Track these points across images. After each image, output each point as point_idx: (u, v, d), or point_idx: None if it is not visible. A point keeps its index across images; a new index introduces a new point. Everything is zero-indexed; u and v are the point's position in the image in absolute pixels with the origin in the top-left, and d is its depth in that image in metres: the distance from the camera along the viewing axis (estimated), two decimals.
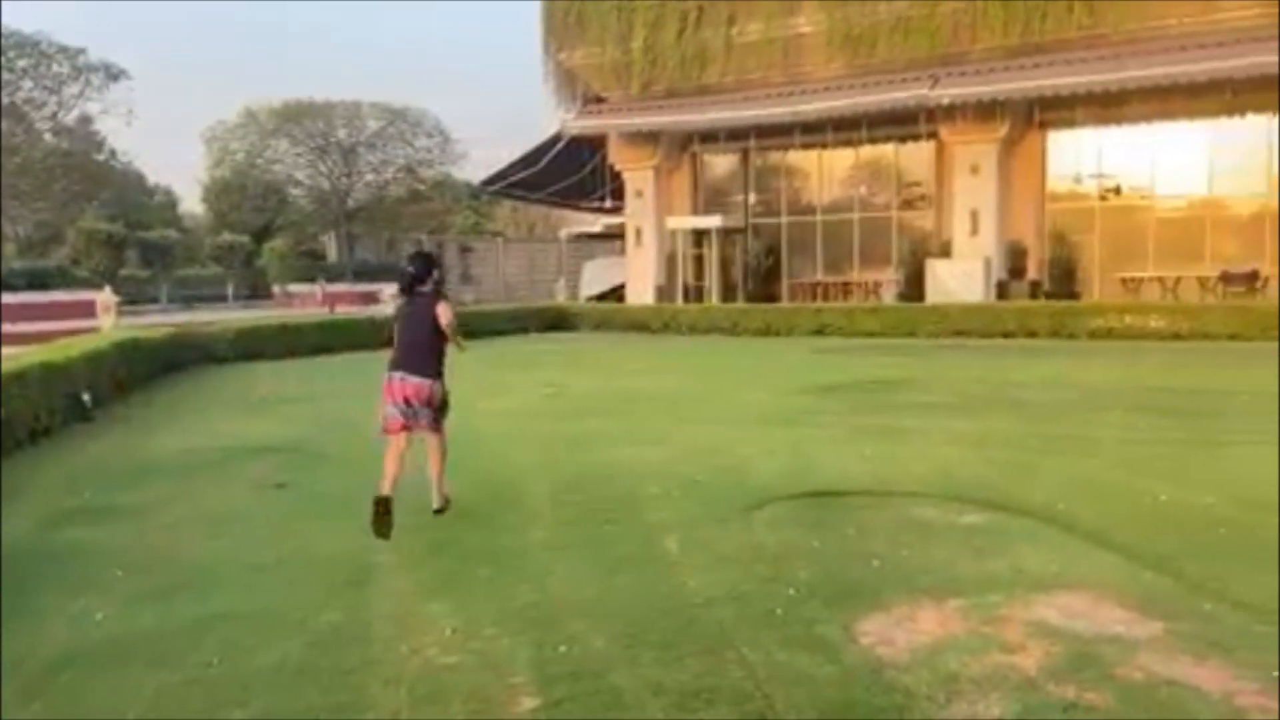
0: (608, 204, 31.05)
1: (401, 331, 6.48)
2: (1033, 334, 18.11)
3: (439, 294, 6.68)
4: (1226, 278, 19.56)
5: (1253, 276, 19.39)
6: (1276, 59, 17.38)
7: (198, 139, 53.33)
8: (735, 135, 24.62)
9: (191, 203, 59.56)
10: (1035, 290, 21.06)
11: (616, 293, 27.18)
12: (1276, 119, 19.47)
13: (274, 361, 17.10)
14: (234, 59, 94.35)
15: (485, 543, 5.88)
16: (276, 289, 39.54)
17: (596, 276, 29.53)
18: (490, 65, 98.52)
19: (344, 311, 26.51)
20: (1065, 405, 10.65)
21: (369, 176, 52.64)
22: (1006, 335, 18.26)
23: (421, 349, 6.43)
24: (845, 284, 24.24)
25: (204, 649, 4.29)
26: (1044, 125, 21.65)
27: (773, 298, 24.39)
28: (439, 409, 6.47)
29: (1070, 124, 21.39)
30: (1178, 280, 20.21)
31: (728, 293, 24.88)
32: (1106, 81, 19.01)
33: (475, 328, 21.53)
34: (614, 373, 14.70)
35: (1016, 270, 21.49)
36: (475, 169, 54.67)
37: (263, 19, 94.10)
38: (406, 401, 6.33)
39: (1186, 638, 4.14)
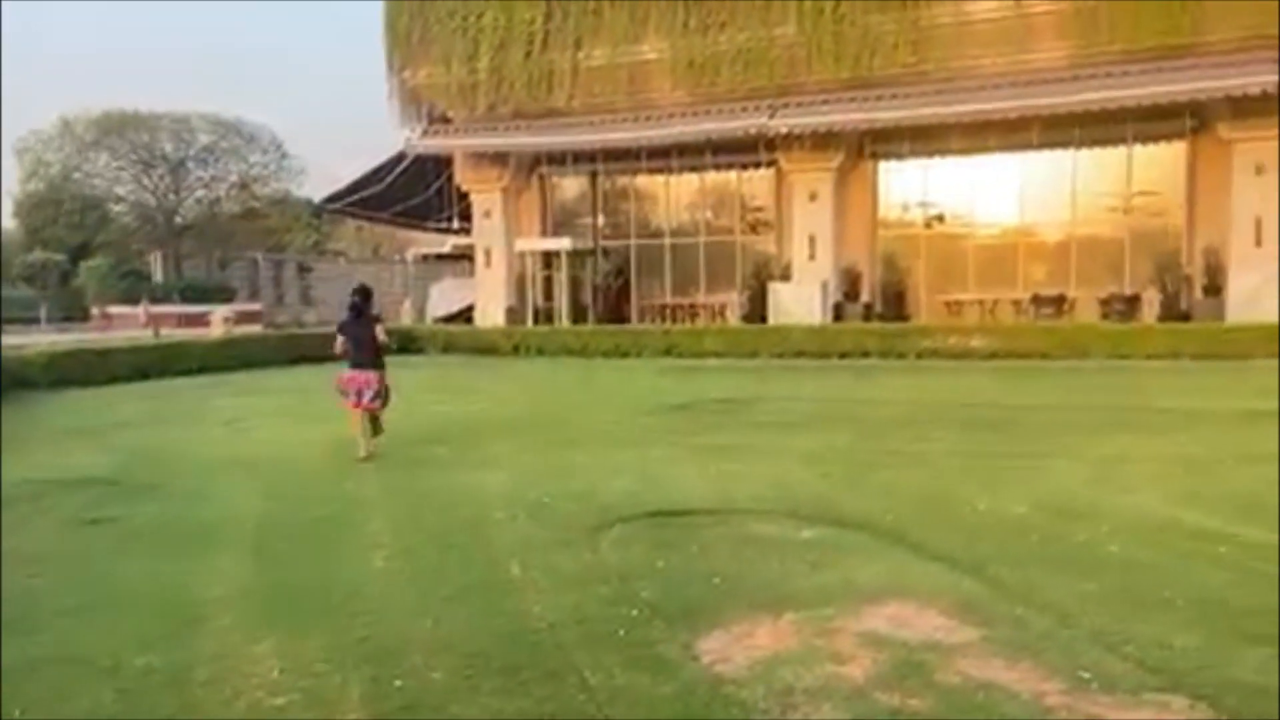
0: (455, 224, 30.68)
1: (354, 342, 9.41)
2: (866, 354, 18.97)
3: (377, 317, 9.78)
4: (1037, 300, 21.08)
5: (1060, 300, 20.95)
6: (1076, 98, 18.91)
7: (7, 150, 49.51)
8: (583, 158, 24.82)
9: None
10: (869, 312, 22.08)
11: (465, 314, 26.84)
12: (1075, 153, 21.16)
13: (94, 388, 16.03)
14: (54, 63, 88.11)
15: (320, 574, 5.68)
16: (95, 310, 37.07)
17: (444, 298, 29.09)
18: (332, 80, 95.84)
19: (170, 334, 25.09)
20: (895, 421, 11.20)
21: (199, 192, 50.13)
22: (843, 355, 19.07)
23: (369, 353, 9.38)
24: (693, 305, 24.76)
25: (9, 699, 3.96)
26: (875, 156, 22.80)
27: (623, 319, 24.64)
28: (381, 393, 9.42)
29: (899, 155, 22.61)
30: (995, 303, 21.63)
31: (578, 314, 24.97)
32: (929, 116, 20.21)
33: (312, 351, 20.88)
34: (461, 396, 14.51)
35: (851, 293, 22.48)
36: (316, 186, 52.95)
37: (84, 19, 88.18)
38: (360, 390, 9.25)
39: (1000, 642, 4.41)
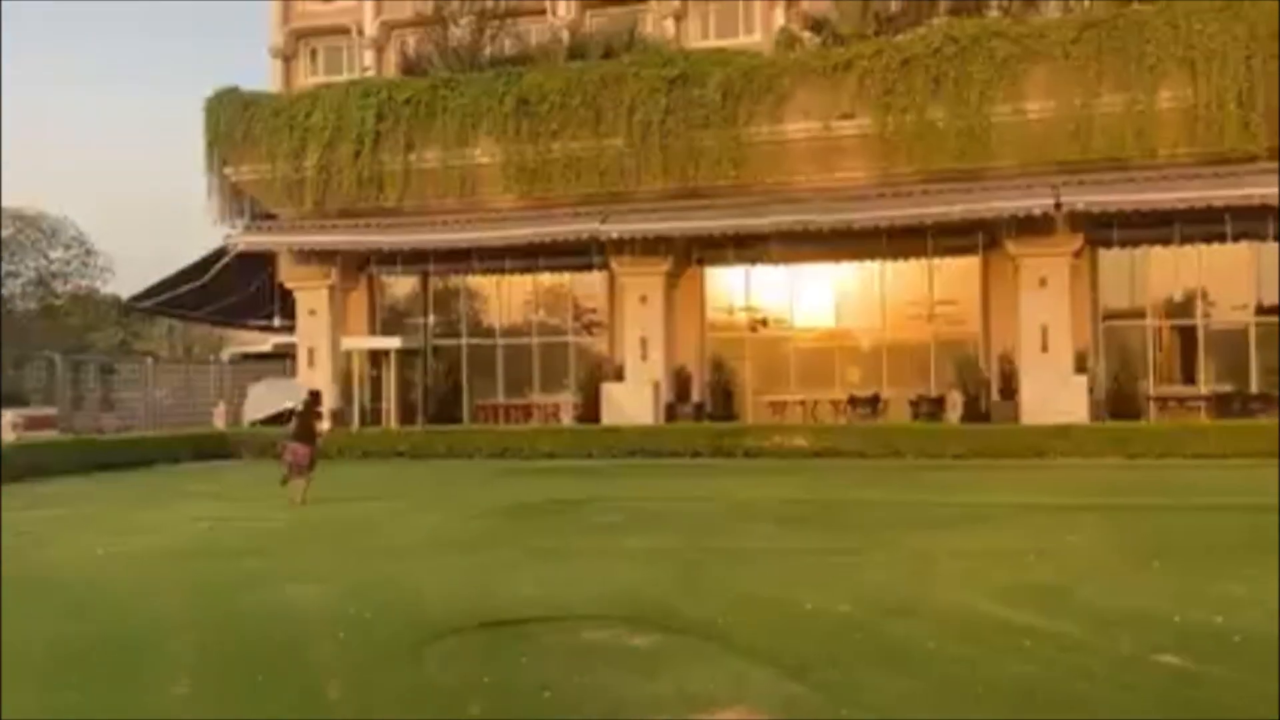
0: (277, 322, 29.57)
1: (298, 423, 13.44)
2: (697, 453, 19.35)
3: (319, 412, 14.54)
4: (854, 401, 22.19)
5: (875, 400, 22.14)
6: (880, 214, 20.38)
7: None
8: (414, 258, 24.60)
9: None
10: (699, 412, 22.62)
11: (286, 417, 25.68)
12: (883, 264, 22.70)
13: None
14: None
15: (114, 706, 5.16)
16: None
17: (263, 399, 27.73)
18: (148, 174, 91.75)
19: None
20: (725, 520, 11.40)
21: None
22: (675, 454, 19.36)
23: (309, 434, 13.36)
24: (526, 406, 24.65)
25: None
26: (702, 262, 23.71)
27: (455, 420, 24.22)
28: (313, 460, 13.34)
29: (725, 261, 23.60)
30: (816, 403, 22.61)
31: (408, 415, 24.37)
32: (750, 226, 21.29)
33: (113, 459, 19.46)
34: (278, 503, 13.75)
35: (682, 394, 23.00)
36: (127, 283, 50.03)
37: None
38: (299, 457, 13.15)
39: None
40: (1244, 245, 20.34)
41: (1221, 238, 20.13)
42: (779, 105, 21.50)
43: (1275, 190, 18.23)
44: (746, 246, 22.61)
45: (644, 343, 22.90)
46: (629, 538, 10.19)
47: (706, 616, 6.77)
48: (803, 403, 22.72)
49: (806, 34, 24.08)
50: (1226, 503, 11.92)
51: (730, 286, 24.21)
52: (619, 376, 23.07)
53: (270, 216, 25.28)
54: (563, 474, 17.17)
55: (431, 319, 25.83)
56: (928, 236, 21.67)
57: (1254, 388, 20.40)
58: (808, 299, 23.92)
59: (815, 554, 9.13)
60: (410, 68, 25.87)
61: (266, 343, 33.14)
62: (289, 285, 25.61)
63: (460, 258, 24.18)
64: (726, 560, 8.87)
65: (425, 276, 25.56)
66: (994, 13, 22.59)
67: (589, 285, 24.81)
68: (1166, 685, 5.29)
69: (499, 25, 25.26)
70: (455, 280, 25.83)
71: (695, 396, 23.05)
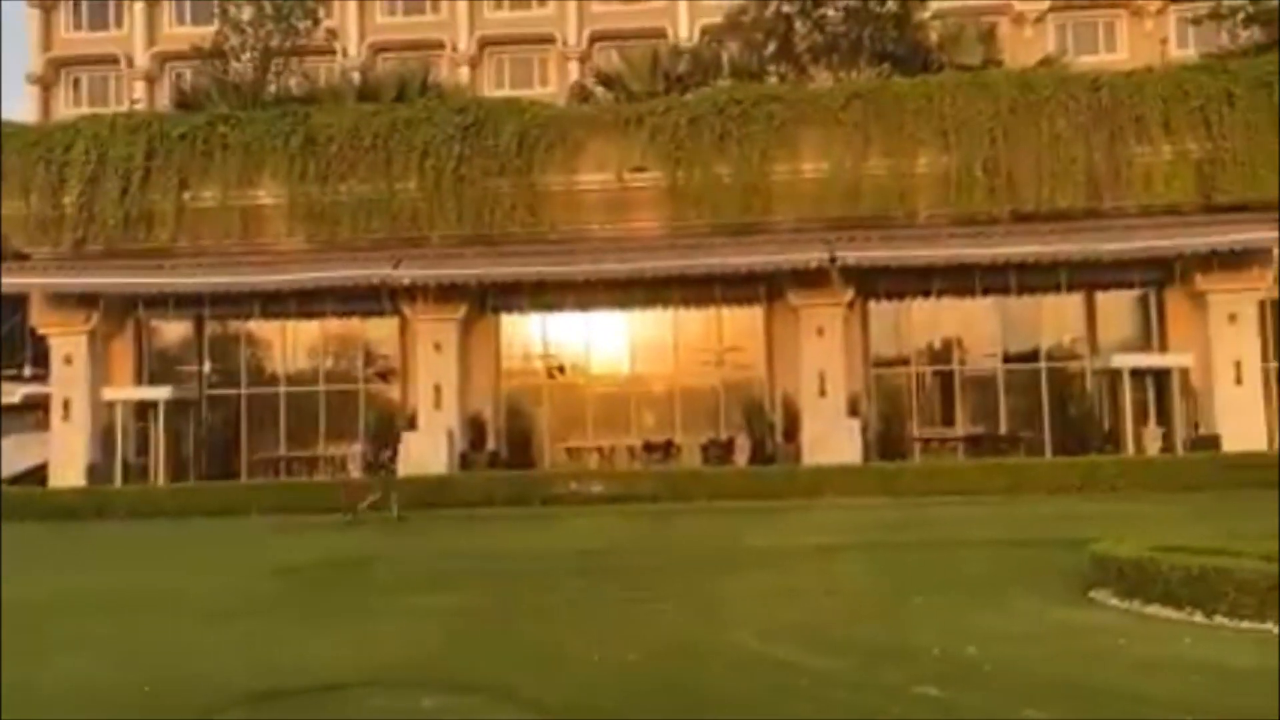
0: (28, 372, 26.92)
1: None
2: (492, 502, 19.09)
3: None
4: (648, 447, 22.63)
5: (668, 446, 22.67)
6: (671, 264, 21.05)
7: None
8: (188, 301, 23.09)
9: None
10: (495, 460, 22.36)
11: (37, 474, 23.33)
12: (675, 312, 23.41)
13: None
14: None
15: None
16: None
17: (10, 456, 25.10)
18: None
19: None
20: (518, 574, 11.28)
21: None
22: (469, 505, 19.00)
23: None
24: (311, 459, 23.52)
25: None
26: (497, 309, 23.59)
27: (231, 475, 22.77)
28: None
29: (520, 309, 23.58)
30: (612, 449, 22.88)
31: (179, 471, 22.68)
32: (545, 274, 21.44)
33: None
34: (25, 573, 12.41)
35: (478, 441, 22.67)
36: None
37: None
38: None
39: None
40: (991, 299, 22.43)
41: (973, 292, 22.13)
42: (574, 156, 21.88)
43: (1016, 250, 20.26)
44: (542, 294, 22.72)
45: (438, 390, 22.45)
46: (422, 596, 9.89)
47: (498, 674, 6.67)
48: (599, 449, 22.93)
49: (599, 89, 24.75)
50: (981, 537, 12.96)
51: (526, 333, 24.21)
52: (412, 425, 22.49)
53: (23, 256, 23.08)
54: (351, 529, 16.48)
55: (207, 367, 24.28)
56: (716, 286, 22.56)
57: (1003, 429, 22.40)
58: (603, 346, 24.26)
59: (608, 604, 9.20)
60: (186, 102, 24.52)
61: (16, 394, 30.04)
62: (41, 330, 23.41)
63: (240, 301, 22.93)
64: (520, 614, 8.79)
65: (200, 321, 24.03)
66: (772, 78, 24.11)
67: (381, 330, 24.12)
68: (927, 715, 5.66)
69: (284, 62, 24.43)
70: (234, 325, 24.43)
71: (490, 444, 22.79)
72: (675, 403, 23.60)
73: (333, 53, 27.15)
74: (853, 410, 21.68)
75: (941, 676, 6.30)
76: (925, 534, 13.48)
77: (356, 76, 25.35)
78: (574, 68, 34.88)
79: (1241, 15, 23.61)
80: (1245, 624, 7.35)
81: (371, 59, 30.53)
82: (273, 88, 24.04)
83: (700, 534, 14.51)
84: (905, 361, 23.29)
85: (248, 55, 24.05)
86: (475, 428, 22.71)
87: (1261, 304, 21.18)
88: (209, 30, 26.92)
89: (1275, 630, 7.20)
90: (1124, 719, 5.56)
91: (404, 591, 10.23)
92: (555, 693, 6.19)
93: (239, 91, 23.80)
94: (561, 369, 24.12)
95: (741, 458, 21.78)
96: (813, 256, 20.57)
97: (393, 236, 22.18)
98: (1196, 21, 26.00)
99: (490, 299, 23.22)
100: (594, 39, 35.74)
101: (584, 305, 23.16)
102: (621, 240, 21.95)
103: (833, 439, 20.90)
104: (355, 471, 22.48)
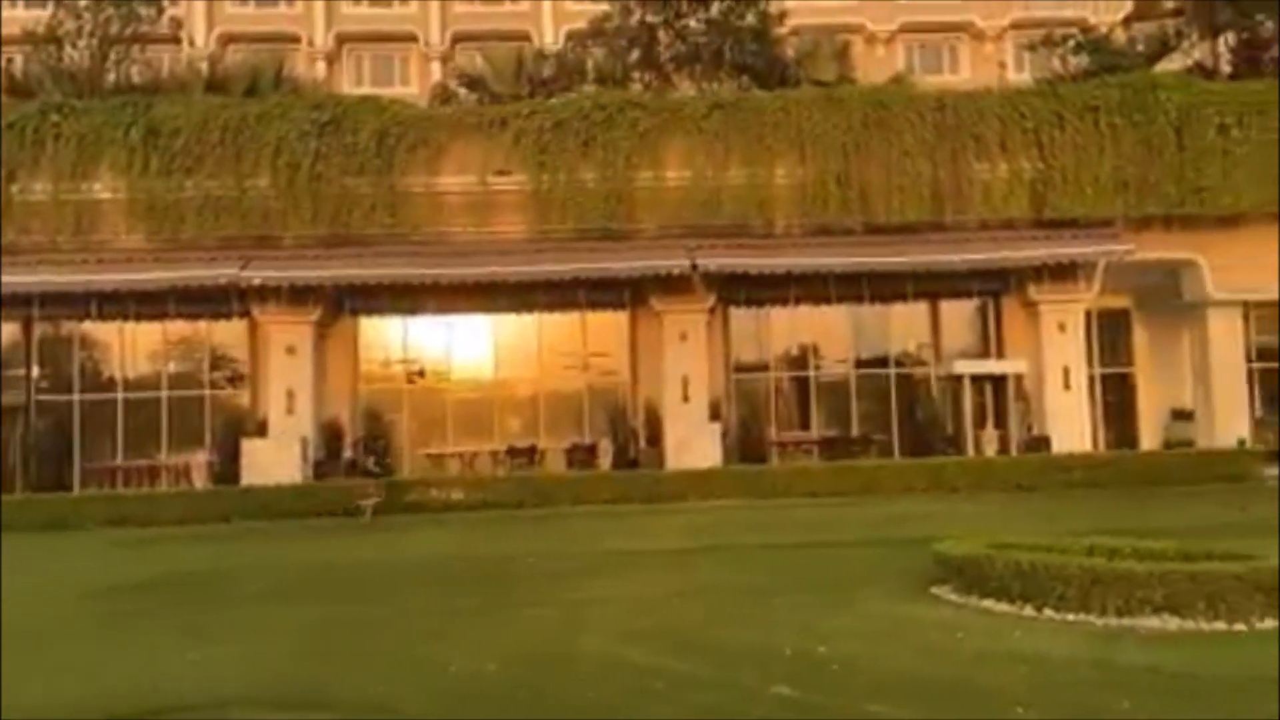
0: None
1: None
2: (350, 512, 18.50)
3: None
4: (512, 452, 22.45)
5: (532, 451, 22.56)
6: (535, 268, 20.95)
7: None
8: (14, 301, 21.49)
9: None
10: (352, 469, 21.73)
11: None
12: (540, 316, 23.34)
13: None
14: None
15: None
16: None
17: None
18: None
19: None
20: (377, 584, 11.00)
21: None
22: (325, 514, 18.40)
23: None
24: (152, 468, 22.28)
25: None
26: (355, 312, 22.94)
27: (63, 486, 21.33)
28: None
29: (379, 312, 23.01)
30: (474, 455, 22.60)
31: (5, 482, 21.09)
32: (405, 276, 20.97)
33: None
34: None
35: (334, 449, 21.98)
36: None
37: None
38: None
39: None
40: (845, 307, 23.28)
41: (828, 300, 22.93)
42: (436, 157, 21.53)
43: (868, 260, 21.09)
44: (403, 297, 22.24)
45: (290, 395, 21.65)
46: (278, 610, 9.53)
47: (356, 689, 6.50)
48: (461, 455, 22.60)
49: (462, 90, 24.44)
50: (833, 538, 13.44)
51: (386, 337, 23.65)
52: (262, 432, 21.61)
53: None
54: (198, 542, 15.71)
55: (36, 371, 22.69)
56: (581, 291, 22.61)
57: (855, 432, 23.27)
58: (466, 350, 23.95)
59: (468, 614, 9.08)
60: (16, 89, 22.86)
61: None
62: None
63: (74, 302, 21.54)
64: (380, 628, 8.57)
65: (28, 323, 22.44)
66: (636, 86, 24.37)
67: (228, 334, 23.07)
68: (779, 715, 5.83)
69: (125, 50, 23.10)
70: (67, 327, 22.93)
71: (348, 452, 22.15)
72: (539, 407, 23.52)
73: (178, 42, 25.79)
74: (714, 415, 22.08)
75: (794, 676, 6.50)
76: (781, 536, 13.86)
77: (204, 67, 24.15)
78: (436, 68, 34.30)
79: (1071, 43, 25.28)
80: (1070, 616, 7.87)
81: (220, 50, 29.12)
82: (112, 76, 22.68)
83: (563, 539, 14.49)
84: (764, 367, 23.90)
85: (84, 41, 22.58)
86: (331, 434, 22.03)
87: (1087, 314, 22.74)
88: (43, 14, 25.21)
89: (1096, 621, 7.74)
90: (959, 711, 5.86)
91: (262, 604, 9.83)
92: (410, 706, 6.08)
93: (74, 79, 22.37)
94: (422, 373, 23.68)
95: (605, 462, 21.89)
96: (676, 263, 20.86)
97: (242, 235, 21.28)
98: (1031, 47, 27.68)
99: (348, 301, 22.59)
100: (456, 39, 35.26)
101: (446, 309, 22.82)
102: (485, 243, 21.71)
103: (695, 443, 21.25)
104: (200, 480, 21.49)
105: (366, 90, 26.40)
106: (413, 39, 35.00)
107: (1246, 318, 23.03)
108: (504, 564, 12.15)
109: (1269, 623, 7.51)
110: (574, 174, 21.47)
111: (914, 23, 34.98)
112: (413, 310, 22.89)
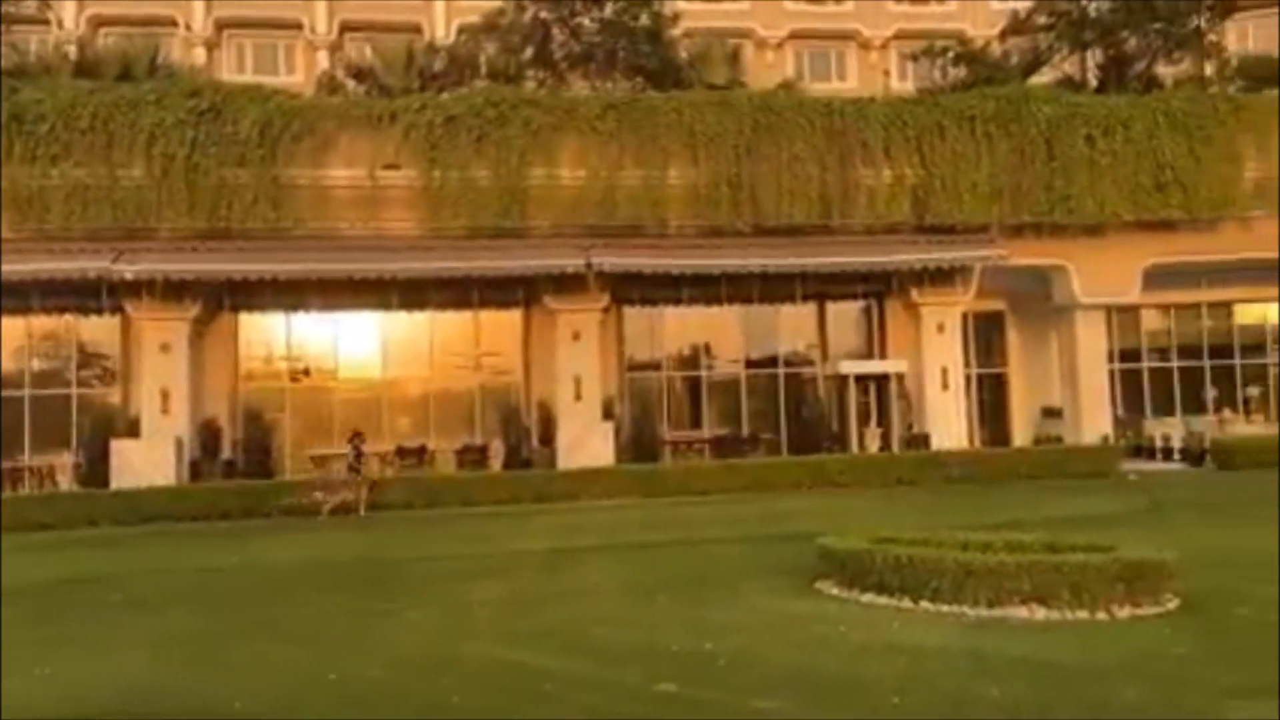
0: None
1: None
2: (226, 515, 17.88)
3: None
4: (401, 452, 22.01)
5: (422, 451, 22.16)
6: (426, 265, 20.59)
7: None
8: None
9: None
10: (230, 469, 20.97)
11: None
12: (432, 314, 22.98)
13: None
14: None
15: None
16: None
17: None
18: None
19: None
20: (253, 590, 10.62)
21: None
22: (201, 518, 17.70)
23: None
24: (14, 470, 21.01)
25: None
26: (235, 308, 22.14)
27: None
28: None
29: (261, 308, 22.28)
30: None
31: None
32: (289, 272, 20.31)
33: None
34: None
35: (211, 450, 21.16)
36: None
37: None
38: None
39: None
40: (736, 307, 23.64)
41: (719, 300, 23.25)
42: (322, 149, 20.94)
43: (758, 261, 21.43)
44: (287, 293, 21.59)
45: (165, 395, 20.75)
46: (142, 618, 9.09)
47: (227, 701, 6.24)
48: (347, 456, 22.00)
49: (350, 81, 23.85)
50: (722, 535, 13.62)
51: (268, 334, 22.91)
52: (134, 432, 20.65)
53: None
54: (62, 548, 14.87)
55: None
56: (473, 289, 22.35)
57: (745, 430, 23.64)
58: (354, 348, 23.39)
59: (352, 617, 8.86)
60: None
61: None
62: None
63: None
64: (256, 635, 8.27)
65: None
66: (530, 83, 24.21)
67: (98, 329, 21.99)
68: (664, 713, 5.86)
69: None
70: None
71: (226, 453, 21.37)
72: (430, 407, 23.17)
73: (45, 23, 24.36)
74: (607, 414, 22.13)
75: (680, 673, 6.56)
76: (672, 534, 13.97)
77: (72, 50, 22.92)
78: (323, 57, 33.33)
79: (951, 55, 26.24)
80: (945, 607, 8.16)
81: (90, 33, 27.62)
82: None
83: (452, 541, 14.28)
84: (657, 366, 24.08)
85: None
86: (209, 434, 21.22)
87: (964, 316, 23.67)
88: None
89: (969, 612, 8.05)
90: (840, 702, 6.00)
91: (133, 613, 9.36)
92: (285, 717, 5.88)
93: None
94: (307, 372, 23.02)
95: (496, 462, 21.68)
96: (570, 262, 20.81)
97: (114, 227, 20.28)
98: (914, 58, 28.63)
99: (227, 297, 21.81)
100: (344, 29, 34.34)
101: (332, 305, 22.26)
102: (375, 239, 21.23)
103: (588, 442, 21.25)
104: (66, 484, 20.40)
105: (249, 78, 25.44)
106: (298, 27, 33.91)
107: (1110, 321, 24.34)
108: (390, 567, 11.90)
109: (1128, 610, 7.93)
110: (466, 170, 21.18)
111: (803, 30, 35.71)
112: (296, 307, 22.27)
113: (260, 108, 20.79)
